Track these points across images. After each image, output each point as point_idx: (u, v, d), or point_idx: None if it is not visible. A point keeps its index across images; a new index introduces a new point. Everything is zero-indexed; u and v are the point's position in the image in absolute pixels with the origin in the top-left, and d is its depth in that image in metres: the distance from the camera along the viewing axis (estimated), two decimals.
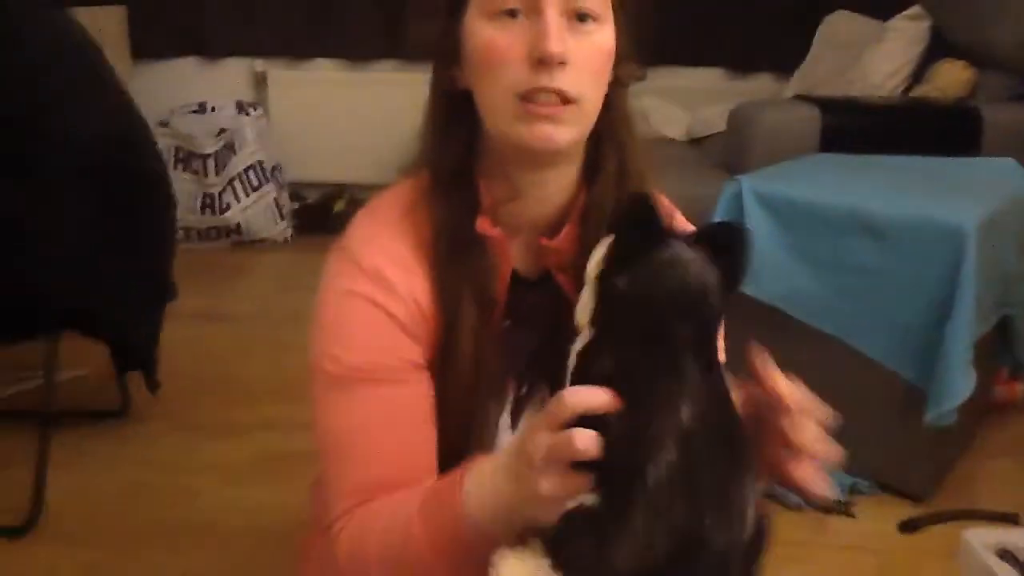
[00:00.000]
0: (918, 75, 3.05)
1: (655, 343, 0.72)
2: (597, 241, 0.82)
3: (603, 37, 0.90)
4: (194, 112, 3.80)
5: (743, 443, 0.74)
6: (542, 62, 0.85)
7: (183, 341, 2.38)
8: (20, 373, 2.43)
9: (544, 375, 0.99)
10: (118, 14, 3.64)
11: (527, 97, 0.87)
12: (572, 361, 0.78)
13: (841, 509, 1.96)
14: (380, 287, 0.93)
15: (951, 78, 2.92)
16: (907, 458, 2.01)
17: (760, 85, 3.99)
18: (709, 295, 0.74)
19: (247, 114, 3.81)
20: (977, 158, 2.39)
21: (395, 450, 0.93)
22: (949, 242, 1.81)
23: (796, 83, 3.50)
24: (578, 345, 0.78)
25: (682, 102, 3.71)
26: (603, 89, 0.92)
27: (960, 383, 1.80)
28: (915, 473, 2.02)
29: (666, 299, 0.72)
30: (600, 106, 0.92)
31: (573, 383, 0.75)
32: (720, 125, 3.05)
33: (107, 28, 3.43)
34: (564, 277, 0.96)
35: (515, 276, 0.97)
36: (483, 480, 0.82)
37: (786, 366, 0.78)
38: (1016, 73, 2.92)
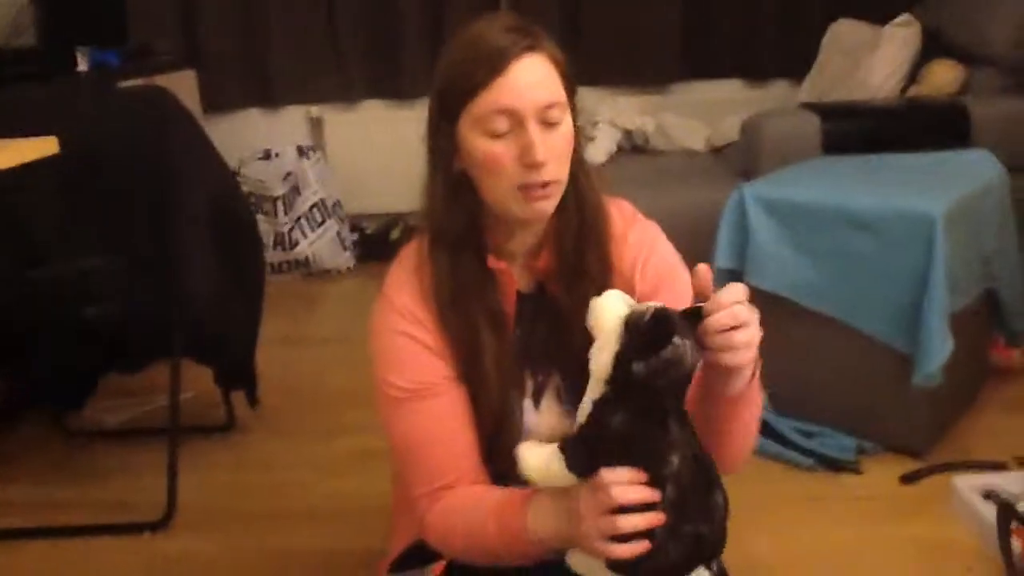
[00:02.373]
0: (913, 76, 3.27)
1: (653, 412, 1.04)
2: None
3: (566, 127, 1.16)
4: (261, 159, 4.15)
5: (710, 462, 1.08)
6: (532, 166, 1.13)
7: (272, 362, 2.72)
8: (135, 399, 2.83)
9: (552, 363, 1.27)
10: (189, 76, 4.03)
11: (523, 188, 1.14)
12: (588, 406, 1.08)
13: (849, 467, 2.21)
14: (412, 322, 1.22)
15: (942, 77, 3.11)
16: (907, 420, 2.23)
17: (777, 92, 4.20)
18: (691, 373, 1.04)
19: (307, 157, 4.15)
20: (957, 151, 2.58)
21: (446, 448, 1.22)
22: (920, 228, 2.06)
23: (806, 89, 3.74)
24: (594, 395, 1.07)
25: (706, 114, 3.93)
26: (570, 159, 1.18)
27: (938, 348, 2.05)
28: (915, 433, 2.24)
29: (666, 386, 1.03)
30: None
31: (589, 424, 1.07)
32: (737, 134, 3.26)
33: (181, 90, 3.81)
34: (552, 285, 1.25)
35: (517, 292, 1.26)
36: (545, 514, 1.12)
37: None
38: (1006, 68, 3.10)
